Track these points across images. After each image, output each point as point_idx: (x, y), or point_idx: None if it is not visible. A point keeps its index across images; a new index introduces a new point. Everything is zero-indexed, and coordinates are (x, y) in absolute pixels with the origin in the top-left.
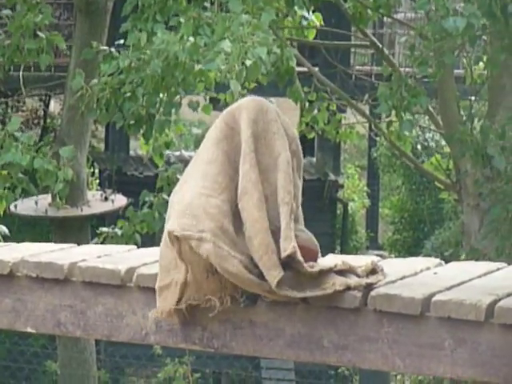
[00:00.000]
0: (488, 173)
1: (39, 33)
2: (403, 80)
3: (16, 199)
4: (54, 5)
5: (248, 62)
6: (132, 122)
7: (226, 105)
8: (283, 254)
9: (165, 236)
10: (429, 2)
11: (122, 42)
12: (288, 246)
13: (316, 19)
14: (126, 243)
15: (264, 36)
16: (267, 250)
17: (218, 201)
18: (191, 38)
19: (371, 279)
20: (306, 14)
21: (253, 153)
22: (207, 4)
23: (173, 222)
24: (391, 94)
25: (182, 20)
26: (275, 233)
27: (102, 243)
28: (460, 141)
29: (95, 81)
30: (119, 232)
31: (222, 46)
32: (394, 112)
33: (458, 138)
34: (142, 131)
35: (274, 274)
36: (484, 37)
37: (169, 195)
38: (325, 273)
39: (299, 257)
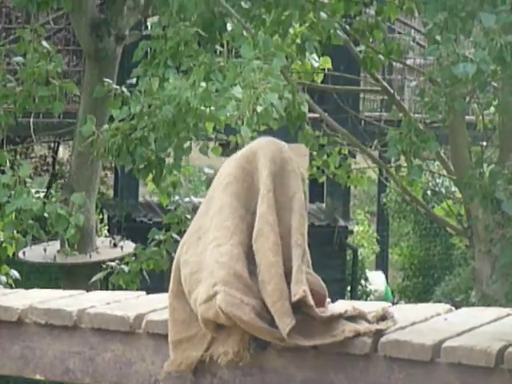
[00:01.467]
0: (499, 218)
1: (52, 80)
2: (413, 125)
3: (26, 245)
4: (63, 51)
5: (259, 108)
6: (142, 166)
7: (236, 147)
8: (294, 298)
9: (172, 288)
10: (438, 48)
11: (134, 81)
12: (299, 290)
13: (325, 63)
14: (132, 280)
15: (275, 81)
16: (281, 296)
17: (227, 246)
18: (203, 84)
19: (381, 325)
20: (315, 57)
21: (271, 193)
22: (218, 47)
23: (201, 295)
24: (401, 139)
25: (192, 64)
26: (287, 275)
27: (105, 278)
28: (469, 185)
29: (106, 126)
30: (126, 268)
31: (233, 92)
32: (403, 157)
33: (466, 182)
34: (151, 175)
35: (286, 322)
36: (494, 83)
37: (177, 233)
38: (335, 319)
39: (310, 301)
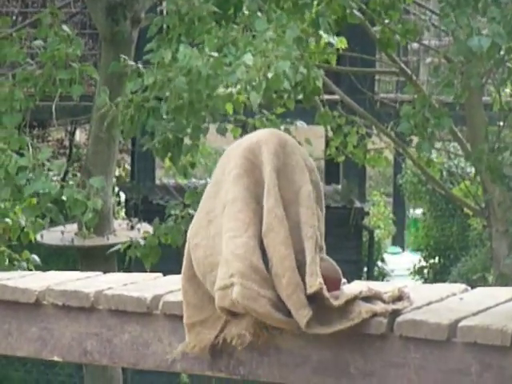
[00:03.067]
0: None
1: (72, 63)
2: (427, 100)
3: (44, 228)
4: (79, 35)
5: (270, 75)
6: (160, 145)
7: (255, 129)
8: (309, 290)
9: (184, 271)
10: (453, 21)
11: (149, 57)
12: (314, 283)
13: (340, 43)
14: (149, 255)
15: (287, 50)
16: (296, 289)
17: (244, 239)
18: (215, 54)
19: (397, 305)
20: (331, 39)
21: (276, 187)
22: (233, 25)
23: (218, 281)
24: (414, 114)
25: (205, 38)
26: (299, 268)
27: (124, 251)
28: (478, 160)
29: (119, 98)
30: (142, 242)
31: (244, 60)
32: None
33: (476, 157)
34: (169, 155)
35: (303, 314)
36: (509, 63)
37: (195, 210)
38: (351, 301)
39: (326, 294)
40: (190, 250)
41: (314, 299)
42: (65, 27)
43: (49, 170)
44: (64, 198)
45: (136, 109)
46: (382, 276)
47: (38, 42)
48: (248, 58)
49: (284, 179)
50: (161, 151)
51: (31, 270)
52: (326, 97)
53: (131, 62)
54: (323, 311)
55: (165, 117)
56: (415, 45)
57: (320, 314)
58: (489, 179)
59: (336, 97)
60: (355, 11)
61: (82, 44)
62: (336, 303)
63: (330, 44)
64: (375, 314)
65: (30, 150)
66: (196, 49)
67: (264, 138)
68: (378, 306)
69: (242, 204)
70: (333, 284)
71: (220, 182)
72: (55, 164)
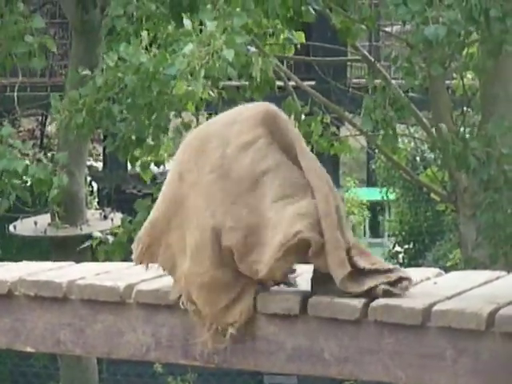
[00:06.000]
0: (480, 182)
1: (29, 36)
2: (387, 93)
3: (10, 208)
4: (48, 24)
5: (215, 62)
6: (121, 146)
7: None
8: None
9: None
10: (409, 10)
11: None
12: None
13: (298, 38)
14: (117, 251)
15: (230, 38)
16: (338, 246)
17: (308, 199)
18: (161, 50)
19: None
20: (288, 34)
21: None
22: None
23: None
24: (375, 107)
25: (153, 35)
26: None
27: (95, 247)
28: (443, 150)
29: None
30: (110, 239)
31: (185, 51)
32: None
33: (440, 146)
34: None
35: (341, 272)
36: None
37: None
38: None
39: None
40: (220, 234)
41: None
42: (21, 4)
43: (11, 146)
44: (29, 176)
45: (88, 112)
46: None
47: None
48: (188, 49)
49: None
50: (122, 152)
51: None
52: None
53: (86, 72)
54: (356, 273)
55: (118, 118)
56: (388, 29)
57: (354, 276)
58: (444, 164)
59: (310, 83)
60: (310, 7)
61: (40, 18)
62: (367, 266)
63: (288, 39)
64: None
65: None
66: (140, 46)
67: (268, 107)
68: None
69: (286, 168)
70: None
71: (223, 162)
72: (20, 142)
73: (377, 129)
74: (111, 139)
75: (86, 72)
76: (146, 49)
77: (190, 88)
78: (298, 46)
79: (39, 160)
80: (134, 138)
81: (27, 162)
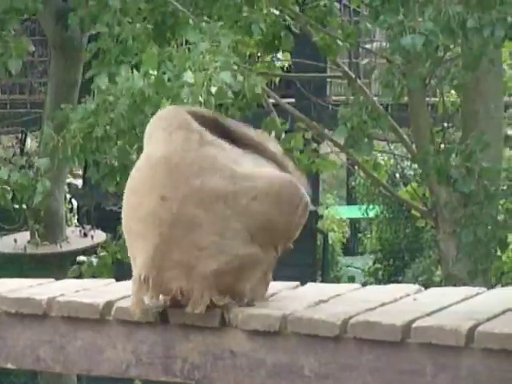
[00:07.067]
0: (460, 198)
1: (5, 38)
2: (364, 103)
3: None
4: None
5: (213, 89)
6: (105, 173)
7: None
8: None
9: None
10: (386, 20)
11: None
12: None
13: (285, 57)
14: (102, 272)
15: (225, 60)
16: None
17: None
18: (154, 72)
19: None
20: (277, 55)
21: None
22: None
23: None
24: (350, 116)
25: (143, 58)
26: None
27: (84, 272)
28: (424, 161)
29: (65, 131)
30: (94, 261)
31: (185, 79)
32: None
33: (421, 158)
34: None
35: None
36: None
37: None
38: None
39: None
40: None
41: None
42: None
43: None
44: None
45: (84, 137)
46: (337, 279)
47: None
48: (188, 76)
49: None
50: (107, 181)
51: None
52: (272, 102)
53: (70, 106)
54: None
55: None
56: (369, 46)
57: None
58: (435, 181)
59: (290, 100)
60: (293, 27)
61: (16, 20)
62: None
63: (275, 58)
64: None
65: None
66: (135, 70)
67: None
68: None
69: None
70: None
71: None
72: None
73: (352, 137)
74: (94, 168)
75: (70, 106)
76: (146, 72)
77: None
78: (286, 65)
79: (22, 167)
80: (116, 164)
81: (9, 168)
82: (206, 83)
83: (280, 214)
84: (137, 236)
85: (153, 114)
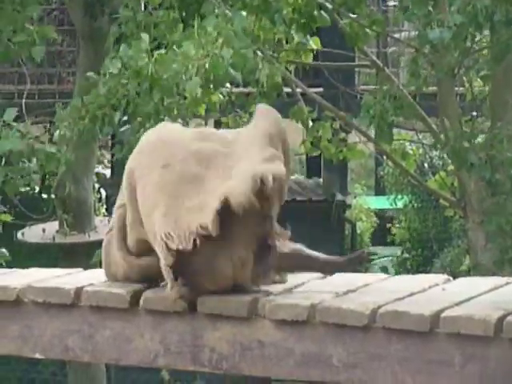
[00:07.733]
0: (488, 188)
1: (27, 25)
2: (387, 91)
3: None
4: (56, 31)
5: (208, 64)
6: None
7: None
8: None
9: None
10: (414, 13)
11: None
12: None
13: (314, 43)
14: None
15: (229, 35)
16: None
17: None
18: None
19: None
20: (303, 39)
21: None
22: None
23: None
24: (374, 104)
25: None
26: None
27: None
28: (455, 153)
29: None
30: None
31: (183, 50)
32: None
33: (452, 150)
34: None
35: None
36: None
37: None
38: None
39: None
40: None
41: None
42: None
43: (18, 130)
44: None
45: (91, 119)
46: (365, 269)
47: None
48: (184, 49)
49: None
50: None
51: (1, 263)
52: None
53: (96, 77)
54: None
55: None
56: (397, 36)
57: None
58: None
59: (317, 90)
60: (323, 11)
61: (37, 5)
62: None
63: (302, 43)
64: None
65: None
66: (140, 49)
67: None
68: None
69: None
70: None
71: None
72: (21, 125)
73: (374, 125)
74: (119, 146)
75: (95, 77)
76: (148, 52)
77: (200, 90)
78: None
79: (43, 142)
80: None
81: (32, 142)
82: (206, 59)
83: None
84: (153, 208)
85: (162, 98)
